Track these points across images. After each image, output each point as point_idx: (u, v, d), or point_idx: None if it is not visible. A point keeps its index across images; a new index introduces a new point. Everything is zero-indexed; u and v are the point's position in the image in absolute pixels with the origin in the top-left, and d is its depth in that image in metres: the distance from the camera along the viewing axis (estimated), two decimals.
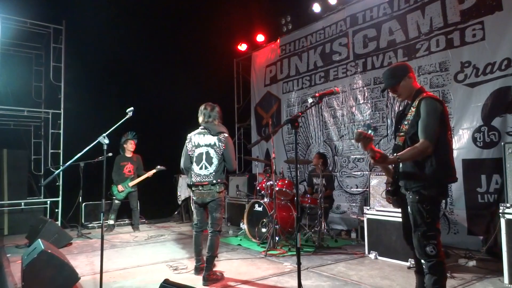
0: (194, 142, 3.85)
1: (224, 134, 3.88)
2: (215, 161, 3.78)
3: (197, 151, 3.82)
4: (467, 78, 5.16)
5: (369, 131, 2.31)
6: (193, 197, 3.86)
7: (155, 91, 8.39)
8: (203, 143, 3.83)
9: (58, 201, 6.94)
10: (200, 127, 3.94)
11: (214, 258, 3.84)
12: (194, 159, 3.83)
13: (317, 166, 6.09)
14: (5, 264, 4.33)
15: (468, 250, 4.62)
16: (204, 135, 3.85)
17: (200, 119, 3.98)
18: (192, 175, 3.82)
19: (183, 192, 7.92)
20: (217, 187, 3.77)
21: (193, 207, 3.89)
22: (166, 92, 8.38)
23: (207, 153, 3.80)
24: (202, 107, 3.99)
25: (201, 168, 3.79)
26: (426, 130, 2.45)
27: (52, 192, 7.06)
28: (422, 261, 2.54)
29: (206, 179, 3.77)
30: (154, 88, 8.40)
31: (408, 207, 2.60)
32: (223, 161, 3.83)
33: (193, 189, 3.85)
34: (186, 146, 3.86)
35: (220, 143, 3.81)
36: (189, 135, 3.92)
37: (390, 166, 2.79)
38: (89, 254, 4.99)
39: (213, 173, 3.77)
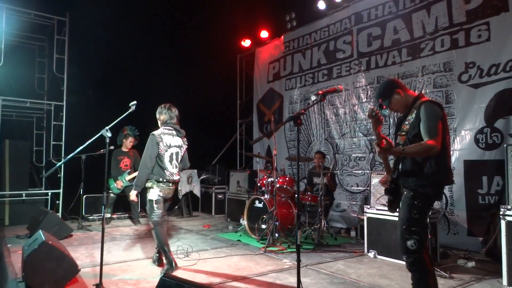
0: (166, 143, 3.97)
1: (185, 136, 4.19)
2: (179, 160, 4.10)
3: (169, 151, 3.99)
4: (471, 78, 5.14)
5: (380, 112, 2.32)
6: (160, 193, 3.93)
7: (157, 85, 8.38)
8: (173, 144, 4.03)
9: (59, 193, 6.96)
10: (166, 127, 4.05)
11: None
12: (167, 159, 3.96)
13: (319, 165, 6.11)
14: (5, 254, 4.35)
15: (468, 251, 4.63)
16: (173, 136, 4.04)
17: (164, 117, 4.09)
18: (166, 172, 3.94)
19: (183, 187, 7.94)
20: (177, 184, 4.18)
21: (154, 201, 3.92)
22: (169, 86, 8.35)
23: (177, 153, 4.06)
24: (165, 107, 4.11)
25: (173, 167, 4.02)
26: (429, 132, 2.46)
27: (53, 183, 7.08)
28: (404, 258, 2.55)
29: (177, 178, 4.07)
30: (157, 82, 8.39)
31: (400, 202, 2.63)
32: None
33: (162, 185, 3.94)
34: (158, 145, 3.91)
35: (184, 145, 4.14)
36: (158, 134, 3.94)
37: (391, 164, 2.80)
38: (89, 246, 5.01)
39: (178, 172, 4.11)
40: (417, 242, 2.46)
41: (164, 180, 3.93)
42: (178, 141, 4.07)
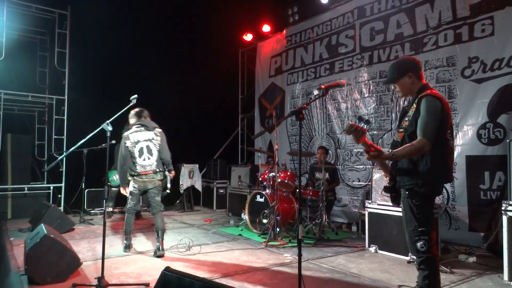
0: (133, 140, 4.32)
1: (158, 128, 4.47)
2: (155, 152, 4.37)
3: (138, 146, 4.31)
4: (474, 73, 5.11)
5: (361, 124, 2.29)
6: (134, 185, 4.36)
7: (158, 79, 8.36)
8: (142, 139, 4.34)
9: (61, 187, 6.98)
10: (135, 126, 4.39)
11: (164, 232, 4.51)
12: (136, 154, 4.31)
13: (321, 160, 6.09)
14: (8, 248, 4.37)
15: (469, 246, 4.63)
16: (141, 132, 4.36)
17: (133, 120, 4.44)
18: (137, 166, 4.30)
19: (185, 182, 7.96)
20: (159, 175, 4.40)
21: (129, 193, 4.39)
22: (170, 81, 8.35)
23: (148, 146, 4.34)
24: (133, 112, 4.42)
25: (144, 160, 4.32)
26: (424, 128, 2.41)
27: (55, 177, 7.10)
28: (413, 257, 2.54)
29: (150, 168, 4.33)
30: (158, 76, 8.37)
31: (401, 202, 2.61)
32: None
33: (136, 178, 4.33)
34: (125, 144, 4.31)
35: (156, 137, 4.39)
36: (125, 135, 4.35)
37: (387, 162, 2.77)
38: (91, 240, 5.03)
39: (155, 163, 4.36)
40: (426, 243, 2.45)
41: (135, 174, 4.30)
42: (147, 134, 4.37)
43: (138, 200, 4.52)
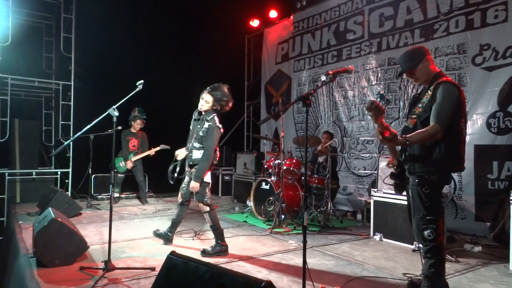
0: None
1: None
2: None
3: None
4: (485, 61, 5.00)
5: (382, 102, 2.26)
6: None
7: (164, 65, 8.32)
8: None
9: (68, 172, 7.04)
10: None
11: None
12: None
13: (325, 146, 6.06)
14: (17, 231, 4.44)
15: (475, 236, 4.61)
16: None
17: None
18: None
19: None
20: None
21: (207, 185, 3.90)
22: (176, 66, 8.31)
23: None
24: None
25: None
26: (438, 114, 2.39)
27: (62, 163, 7.16)
28: (420, 245, 2.53)
29: None
30: (164, 62, 8.33)
31: (409, 190, 2.59)
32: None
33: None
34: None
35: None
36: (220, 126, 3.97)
37: (397, 148, 2.75)
38: (98, 224, 5.09)
39: None
40: (434, 231, 2.43)
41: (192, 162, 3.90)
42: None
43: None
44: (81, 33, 7.27)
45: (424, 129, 2.41)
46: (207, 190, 3.87)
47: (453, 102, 2.41)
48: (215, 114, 3.97)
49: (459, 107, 2.46)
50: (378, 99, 2.28)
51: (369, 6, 6.67)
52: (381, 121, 2.32)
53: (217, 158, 3.96)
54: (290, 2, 8.36)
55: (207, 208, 3.88)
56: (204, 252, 3.74)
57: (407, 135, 2.42)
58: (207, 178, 3.86)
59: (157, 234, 4.19)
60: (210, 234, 4.60)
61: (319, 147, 6.01)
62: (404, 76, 2.74)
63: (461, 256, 3.88)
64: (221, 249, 3.81)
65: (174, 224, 4.16)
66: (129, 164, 6.78)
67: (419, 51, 2.68)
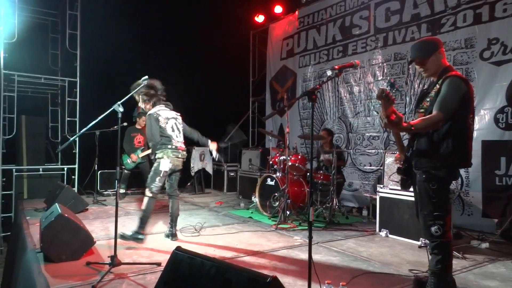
0: (164, 116, 4.14)
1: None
2: (180, 130, 4.29)
3: (169, 123, 4.17)
4: (494, 56, 4.93)
5: (392, 91, 2.24)
6: (170, 164, 4.07)
7: (169, 61, 8.32)
8: (170, 116, 4.21)
9: (74, 168, 7.09)
10: (160, 105, 4.22)
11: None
12: (169, 130, 4.13)
13: (325, 142, 6.06)
14: (24, 226, 4.49)
15: (482, 232, 4.58)
16: (168, 110, 4.25)
17: (154, 100, 4.21)
18: (173, 141, 4.12)
19: (196, 164, 8.01)
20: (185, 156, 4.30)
21: (161, 173, 4.05)
22: (181, 62, 8.30)
23: (176, 124, 4.23)
24: (158, 83, 4.24)
25: (177, 136, 4.20)
26: (442, 103, 2.37)
27: (69, 159, 7.21)
28: (427, 241, 2.51)
29: (183, 145, 4.26)
30: (169, 58, 8.32)
31: (416, 186, 2.56)
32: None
33: (172, 154, 4.07)
34: (158, 120, 4.07)
35: (178, 117, 4.33)
36: (155, 112, 4.11)
37: (404, 144, 2.73)
38: (104, 220, 5.13)
39: (183, 141, 4.29)
40: (441, 227, 2.41)
41: (172, 147, 4.09)
42: (172, 113, 4.28)
43: (171, 182, 4.30)
44: (87, 29, 7.28)
45: (427, 116, 2.40)
46: (157, 179, 4.03)
47: (459, 96, 2.38)
48: (149, 104, 4.21)
49: (467, 102, 2.43)
50: (388, 88, 2.25)
51: (375, 0, 6.60)
52: (392, 111, 2.29)
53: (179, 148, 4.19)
54: None
55: (150, 194, 4.05)
56: (123, 236, 3.88)
57: (412, 121, 2.40)
58: (163, 166, 4.02)
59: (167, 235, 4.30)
60: (212, 229, 4.63)
61: (325, 146, 6.02)
62: (412, 66, 2.71)
63: (468, 253, 3.85)
64: (138, 236, 3.94)
65: (172, 218, 4.26)
66: (134, 157, 6.81)
67: (434, 42, 2.64)
